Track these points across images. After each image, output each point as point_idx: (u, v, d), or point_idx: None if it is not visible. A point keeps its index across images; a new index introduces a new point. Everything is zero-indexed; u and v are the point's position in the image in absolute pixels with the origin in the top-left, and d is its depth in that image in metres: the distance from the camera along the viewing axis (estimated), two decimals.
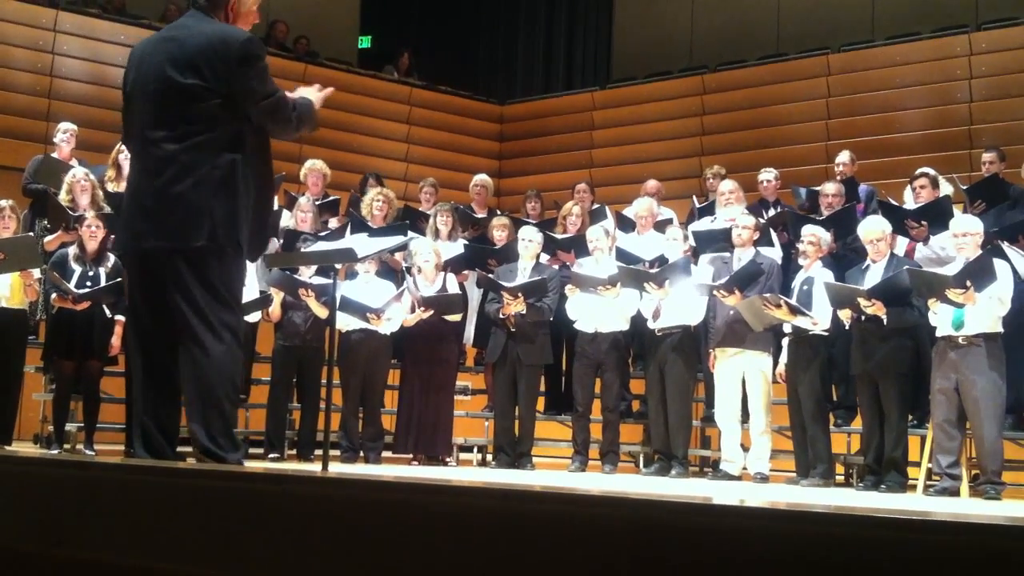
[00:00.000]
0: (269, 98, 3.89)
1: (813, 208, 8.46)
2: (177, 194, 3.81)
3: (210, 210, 3.78)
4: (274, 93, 3.91)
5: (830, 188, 8.15)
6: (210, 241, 3.79)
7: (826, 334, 7.10)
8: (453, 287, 8.18)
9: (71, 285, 7.16)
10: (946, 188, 8.07)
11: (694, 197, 9.50)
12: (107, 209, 7.80)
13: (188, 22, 4.06)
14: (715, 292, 7.33)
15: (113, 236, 7.65)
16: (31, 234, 7.87)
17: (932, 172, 8.19)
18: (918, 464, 6.98)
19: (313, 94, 4.13)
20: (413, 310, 7.95)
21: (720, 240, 7.88)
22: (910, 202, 7.92)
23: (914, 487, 6.84)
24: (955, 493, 6.44)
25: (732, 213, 8.06)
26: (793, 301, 7.06)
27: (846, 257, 7.65)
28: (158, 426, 4.02)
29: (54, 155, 8.84)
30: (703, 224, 8.53)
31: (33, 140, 10.66)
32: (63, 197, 7.98)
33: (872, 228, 7.03)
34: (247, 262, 4.21)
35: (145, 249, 3.91)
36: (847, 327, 6.93)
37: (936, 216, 7.29)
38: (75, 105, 11.44)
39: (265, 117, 3.91)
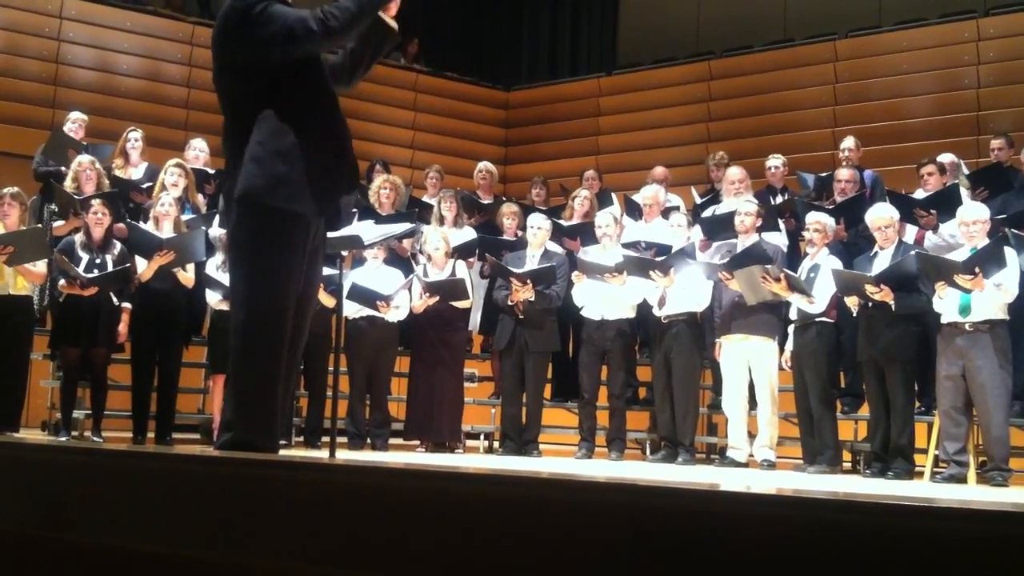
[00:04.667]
0: (279, 34, 3.62)
1: (820, 195, 8.44)
2: (227, 182, 3.81)
3: (243, 175, 3.64)
4: (282, 25, 3.63)
5: (843, 174, 8.12)
6: (237, 213, 3.68)
7: (832, 321, 7.09)
8: (463, 274, 8.17)
9: (78, 271, 7.17)
10: (962, 175, 8.06)
11: (693, 190, 9.46)
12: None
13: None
14: (718, 273, 7.31)
15: (118, 224, 7.70)
16: (38, 226, 7.89)
17: (943, 159, 8.17)
18: (925, 451, 6.98)
19: None
20: (421, 297, 7.95)
21: (729, 227, 7.86)
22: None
23: (921, 474, 6.83)
24: (962, 480, 6.44)
25: (740, 202, 8.04)
26: (794, 274, 7.05)
27: (857, 245, 7.62)
28: None
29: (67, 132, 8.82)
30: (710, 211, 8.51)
31: (40, 127, 10.64)
32: (68, 184, 8.00)
33: (880, 215, 7.01)
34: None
35: None
36: (854, 314, 6.92)
37: (945, 204, 7.26)
38: (82, 92, 11.44)
39: (292, 50, 3.64)
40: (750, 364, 7.37)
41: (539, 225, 8.08)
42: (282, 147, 3.62)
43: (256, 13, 3.64)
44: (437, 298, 7.90)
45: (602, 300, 7.78)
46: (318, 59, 3.85)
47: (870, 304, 6.75)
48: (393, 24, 3.89)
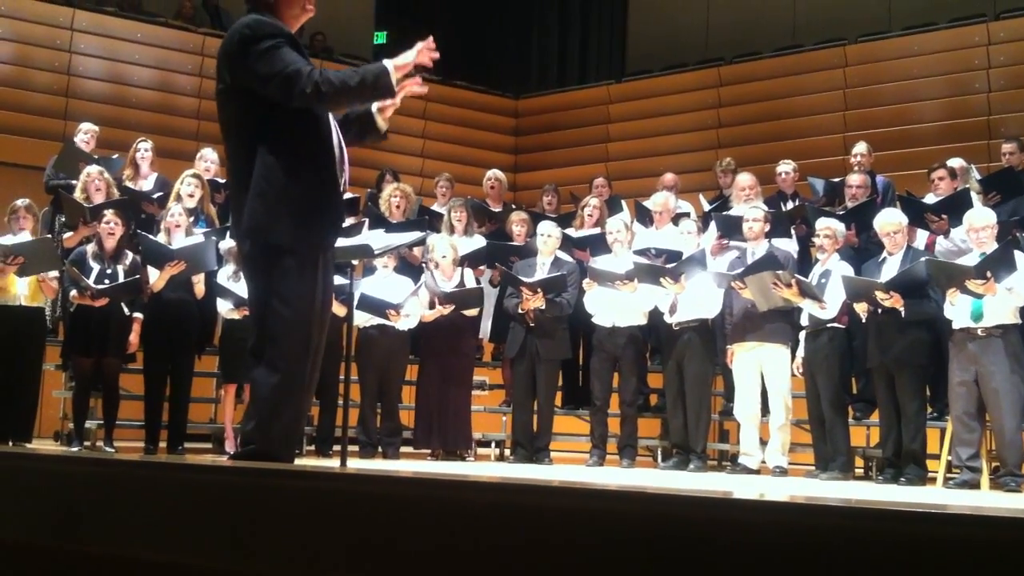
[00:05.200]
0: (276, 77, 3.59)
1: (831, 200, 8.42)
2: (232, 206, 3.86)
3: (248, 212, 3.67)
4: (282, 71, 3.59)
5: (855, 179, 8.11)
6: (252, 246, 3.72)
7: (843, 327, 7.07)
8: (471, 282, 8.19)
9: (89, 281, 7.19)
10: (973, 178, 8.05)
11: (701, 197, 9.43)
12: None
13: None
14: (732, 284, 7.30)
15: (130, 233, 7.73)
16: (48, 236, 7.92)
17: (953, 163, 8.15)
18: (938, 456, 6.95)
19: (404, 56, 3.71)
20: (432, 306, 7.96)
21: (740, 228, 7.84)
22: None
23: (934, 480, 6.81)
24: (975, 486, 6.42)
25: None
26: (805, 280, 7.04)
27: (868, 250, 7.60)
28: None
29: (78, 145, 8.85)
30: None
31: (51, 139, 10.69)
32: (78, 194, 8.03)
33: (888, 220, 7.00)
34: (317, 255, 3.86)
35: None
36: (863, 320, 6.90)
37: (956, 208, 7.24)
38: (92, 103, 11.48)
39: (283, 98, 3.62)
40: (763, 371, 7.35)
41: (549, 233, 8.08)
42: (284, 184, 3.65)
43: (263, 48, 3.63)
44: (452, 307, 7.90)
45: (614, 307, 7.77)
46: None
47: (880, 310, 6.73)
48: (384, 126, 3.99)
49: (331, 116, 3.85)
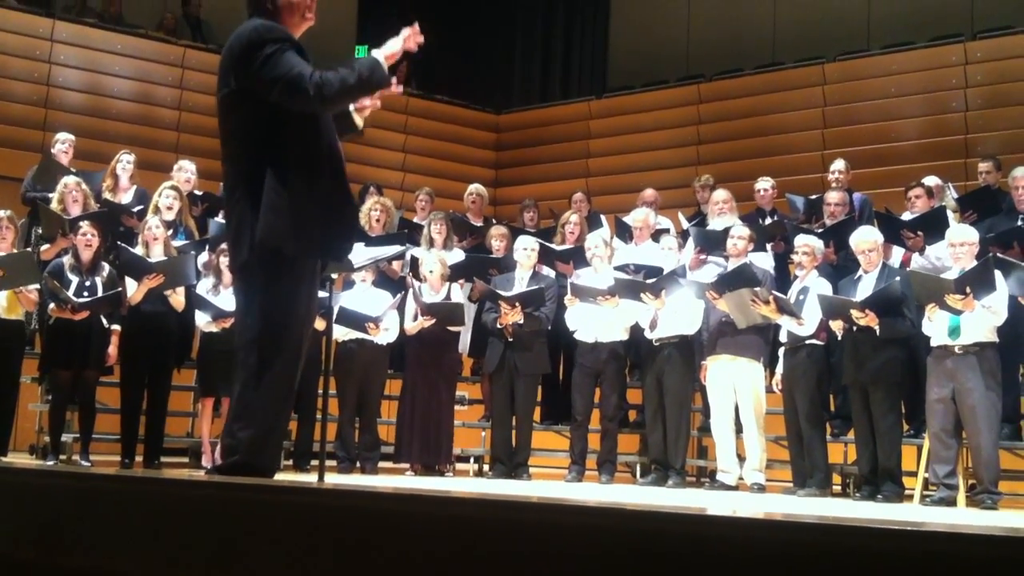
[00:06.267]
0: (280, 81, 3.61)
1: (809, 217, 8.46)
2: (229, 213, 3.85)
3: (250, 222, 3.64)
4: (285, 74, 3.61)
5: (833, 197, 8.16)
6: (251, 254, 3.67)
7: (822, 343, 7.10)
8: (458, 296, 8.17)
9: (69, 294, 7.15)
10: (949, 196, 8.11)
11: (680, 214, 9.48)
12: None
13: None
14: (707, 292, 7.31)
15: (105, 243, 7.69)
16: (28, 250, 7.88)
17: (929, 182, 8.21)
18: (915, 474, 6.98)
19: (390, 44, 3.77)
20: (416, 318, 7.94)
21: (720, 243, 7.88)
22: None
23: (911, 497, 6.83)
24: (952, 503, 6.44)
25: (725, 222, 8.07)
26: (783, 296, 7.06)
27: (847, 267, 7.64)
28: None
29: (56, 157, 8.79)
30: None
31: (30, 149, 10.65)
32: (55, 206, 7.99)
33: (863, 238, 7.03)
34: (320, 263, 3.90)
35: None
36: (839, 338, 6.93)
37: (932, 226, 7.29)
38: (72, 115, 11.43)
39: (287, 102, 3.62)
40: (735, 386, 7.37)
41: (528, 247, 8.09)
42: (298, 196, 3.65)
43: (268, 53, 3.65)
44: (434, 320, 7.89)
45: (595, 322, 7.78)
46: None
47: (855, 328, 6.77)
48: (360, 123, 4.01)
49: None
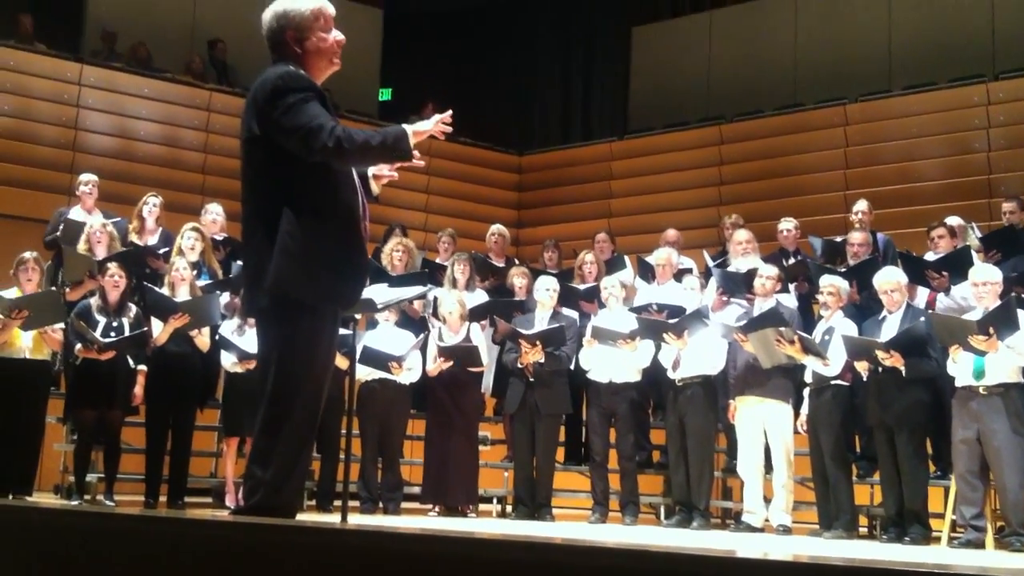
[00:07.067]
0: (300, 130, 3.62)
1: (830, 259, 8.44)
2: (247, 258, 3.87)
3: (266, 268, 3.64)
4: (306, 124, 3.62)
5: (856, 237, 8.14)
6: (267, 299, 3.68)
7: (847, 384, 7.06)
8: (477, 337, 8.17)
9: (96, 335, 7.20)
10: (972, 236, 8.08)
11: (705, 252, 9.47)
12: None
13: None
14: (735, 335, 7.30)
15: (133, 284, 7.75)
16: (53, 289, 7.93)
17: (952, 221, 8.19)
18: (942, 515, 6.91)
19: (423, 124, 3.86)
20: (436, 359, 7.95)
21: (742, 285, 7.87)
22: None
23: (938, 539, 6.76)
24: (980, 545, 6.37)
25: (747, 263, 8.07)
26: (808, 336, 7.04)
27: (870, 308, 7.61)
28: None
29: (71, 215, 8.77)
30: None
31: (57, 192, 10.77)
32: (81, 247, 8.07)
33: (887, 279, 7.01)
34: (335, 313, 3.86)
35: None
36: (864, 379, 6.90)
37: (957, 266, 7.27)
38: (99, 157, 11.56)
39: (304, 152, 3.64)
40: (765, 427, 7.33)
41: (548, 287, 8.10)
42: (312, 242, 3.65)
43: (290, 103, 3.66)
44: (451, 362, 7.90)
45: (608, 363, 7.77)
46: None
47: (880, 369, 6.73)
48: (376, 190, 4.05)
49: (355, 172, 3.88)
